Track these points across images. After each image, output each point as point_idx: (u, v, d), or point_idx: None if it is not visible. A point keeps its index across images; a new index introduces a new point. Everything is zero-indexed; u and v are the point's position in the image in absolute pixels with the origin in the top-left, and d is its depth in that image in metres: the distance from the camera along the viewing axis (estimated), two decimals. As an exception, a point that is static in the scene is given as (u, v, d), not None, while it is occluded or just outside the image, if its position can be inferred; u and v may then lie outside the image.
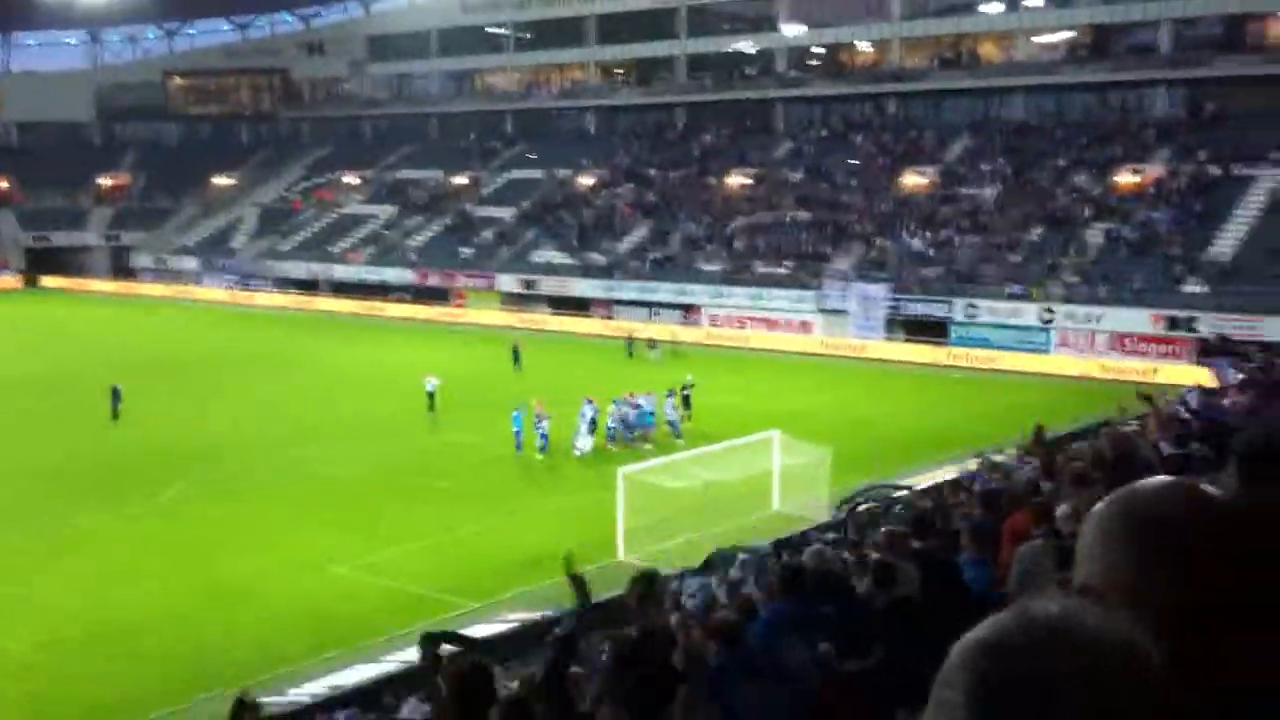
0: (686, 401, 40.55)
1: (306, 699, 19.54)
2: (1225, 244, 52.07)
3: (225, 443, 39.23)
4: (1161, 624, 1.24)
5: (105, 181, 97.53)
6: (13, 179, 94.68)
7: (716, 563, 22.07)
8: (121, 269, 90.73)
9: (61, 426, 42.36)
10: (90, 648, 23.40)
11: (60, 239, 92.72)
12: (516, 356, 51.84)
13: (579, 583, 6.71)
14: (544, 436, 36.92)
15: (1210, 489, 1.38)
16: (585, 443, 37.08)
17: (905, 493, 25.10)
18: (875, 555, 9.98)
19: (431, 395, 42.96)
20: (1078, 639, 1.15)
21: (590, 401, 37.83)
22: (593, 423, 37.32)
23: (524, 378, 48.73)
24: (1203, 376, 30.53)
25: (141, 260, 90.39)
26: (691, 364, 51.52)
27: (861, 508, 24.61)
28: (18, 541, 29.77)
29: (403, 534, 29.84)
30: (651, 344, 56.16)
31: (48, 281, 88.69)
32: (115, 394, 43.73)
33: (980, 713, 1.14)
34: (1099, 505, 1.41)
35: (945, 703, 1.17)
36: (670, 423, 38.80)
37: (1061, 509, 9.42)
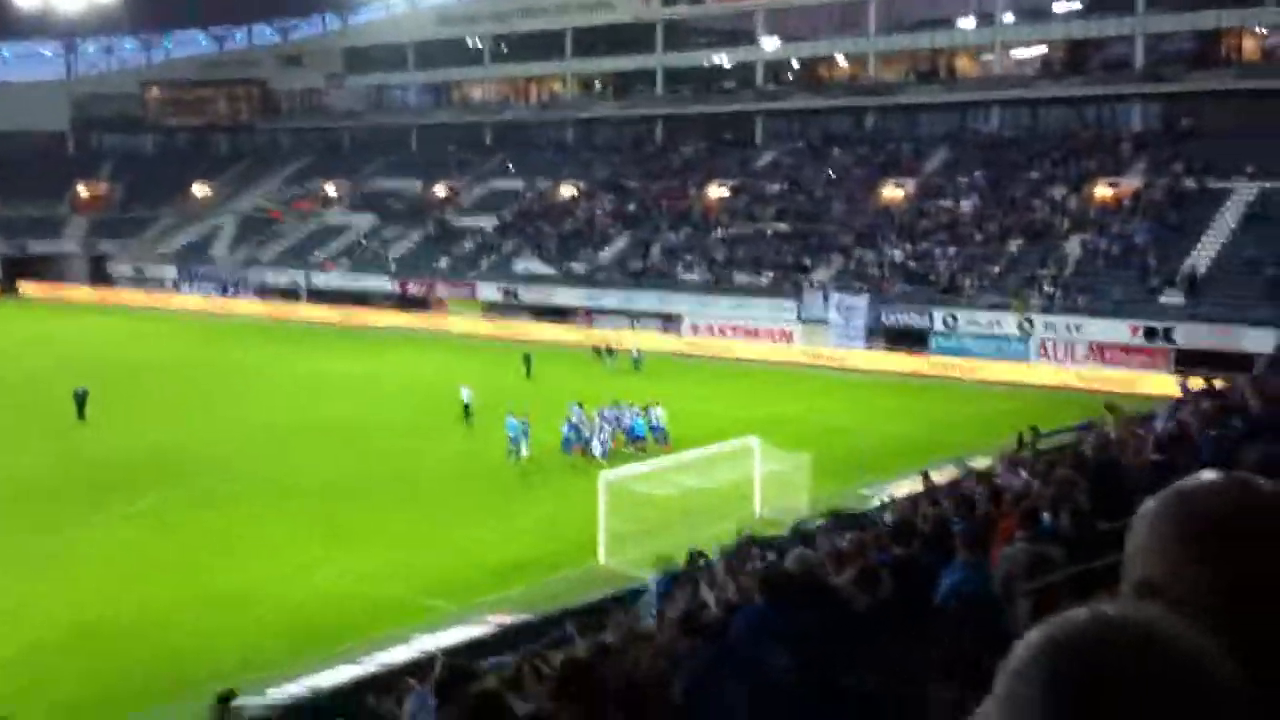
0: (656, 429, 39.81)
1: (286, 700, 19.73)
2: (1202, 256, 52.79)
3: (204, 450, 39.30)
4: (1220, 617, 1.30)
5: (83, 191, 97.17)
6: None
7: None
8: (100, 277, 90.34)
9: (35, 433, 42.34)
10: (71, 650, 23.55)
11: (38, 247, 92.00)
12: (528, 365, 52.16)
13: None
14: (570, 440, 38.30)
15: (1260, 481, 1.42)
16: (598, 448, 37.78)
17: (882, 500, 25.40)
18: (854, 560, 9.86)
19: (467, 406, 42.84)
20: (1154, 641, 1.19)
21: (612, 408, 39.24)
22: (614, 430, 38.48)
23: (535, 385, 48.81)
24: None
25: (120, 269, 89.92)
26: (669, 374, 52.13)
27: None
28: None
29: (387, 540, 30.05)
30: (609, 351, 56.60)
31: (25, 289, 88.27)
32: (79, 396, 43.99)
33: (1056, 710, 1.17)
34: (1149, 503, 1.43)
35: (1018, 697, 1.20)
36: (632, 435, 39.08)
37: (1046, 515, 9.53)
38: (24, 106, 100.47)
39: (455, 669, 6.12)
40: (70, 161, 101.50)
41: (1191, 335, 47.88)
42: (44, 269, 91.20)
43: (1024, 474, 15.27)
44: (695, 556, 23.00)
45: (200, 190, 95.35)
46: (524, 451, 37.32)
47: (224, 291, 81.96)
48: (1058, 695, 1.17)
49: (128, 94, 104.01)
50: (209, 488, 34.94)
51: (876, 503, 25.91)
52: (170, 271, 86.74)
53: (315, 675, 21.30)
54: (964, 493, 15.40)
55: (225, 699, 14.86)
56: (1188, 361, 44.90)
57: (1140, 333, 49.23)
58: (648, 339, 60.72)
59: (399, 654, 21.74)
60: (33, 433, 42.49)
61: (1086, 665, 1.18)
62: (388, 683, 17.94)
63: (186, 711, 18.98)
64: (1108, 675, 1.16)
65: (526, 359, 52.66)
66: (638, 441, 38.61)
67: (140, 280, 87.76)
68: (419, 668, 18.21)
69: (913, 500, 21.59)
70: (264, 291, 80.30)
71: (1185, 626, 1.21)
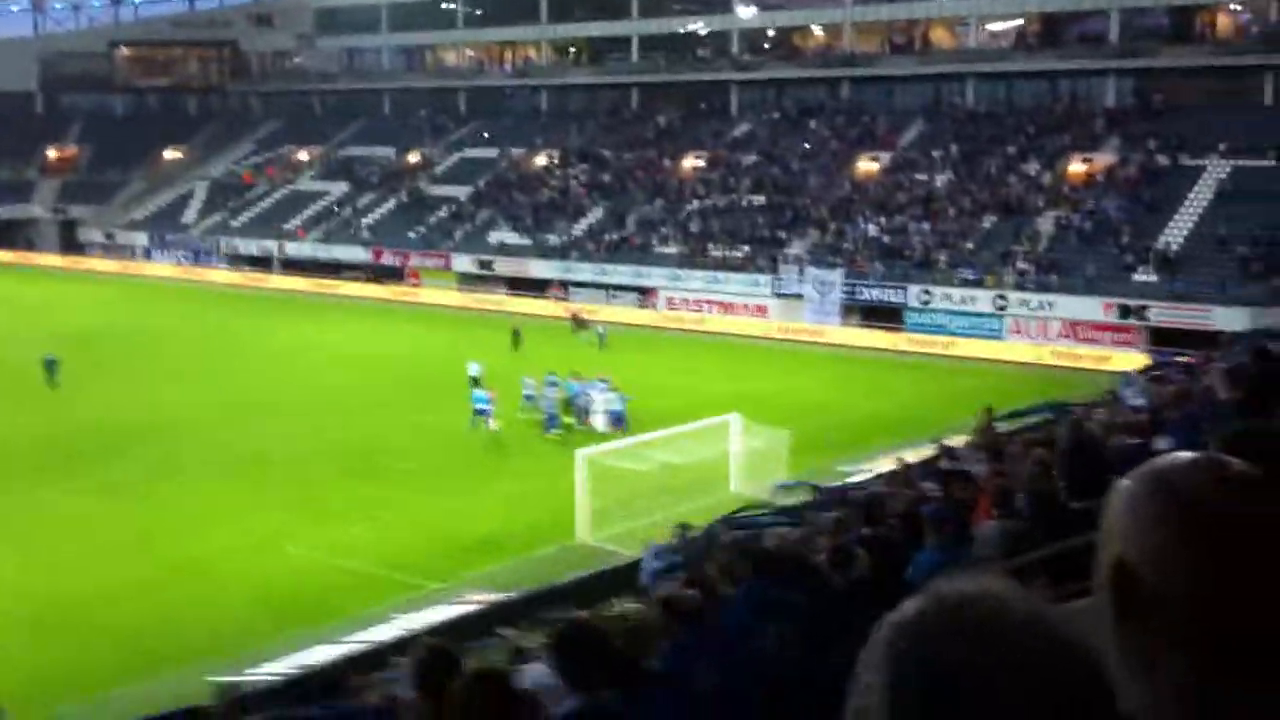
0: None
1: (268, 679, 19.47)
2: (1175, 233, 53.15)
3: (176, 420, 38.99)
4: (1195, 597, 1.29)
5: (52, 153, 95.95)
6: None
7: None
8: (70, 243, 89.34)
9: (6, 401, 41.86)
10: (41, 624, 23.32)
11: (5, 212, 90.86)
12: (516, 338, 51.78)
13: None
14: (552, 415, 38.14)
15: (1236, 461, 1.40)
16: (600, 420, 37.83)
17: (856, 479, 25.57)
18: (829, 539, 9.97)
19: (476, 379, 41.14)
20: (986, 618, 1.18)
21: (604, 381, 39.06)
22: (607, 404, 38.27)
23: (523, 359, 47.60)
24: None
25: (90, 234, 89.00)
26: (643, 348, 51.98)
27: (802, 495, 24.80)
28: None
29: (359, 514, 29.92)
30: (581, 324, 56.59)
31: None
32: (49, 364, 43.72)
33: (896, 693, 1.17)
34: (1124, 481, 1.41)
35: (867, 685, 1.20)
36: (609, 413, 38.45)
37: (1020, 495, 9.67)
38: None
39: (435, 652, 6.05)
40: (39, 122, 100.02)
41: (1164, 313, 48.28)
42: (12, 235, 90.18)
43: (984, 456, 15.31)
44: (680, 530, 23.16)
45: (170, 154, 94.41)
46: (492, 425, 37.21)
47: (195, 259, 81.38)
48: (898, 679, 1.17)
49: (96, 53, 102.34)
50: (176, 458, 34.69)
51: (852, 480, 26.19)
52: (141, 238, 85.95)
53: (296, 654, 21.14)
54: (935, 473, 15.55)
55: (233, 697, 14.50)
56: (1161, 340, 45.45)
57: (1114, 310, 49.55)
58: (623, 313, 60.75)
59: (380, 633, 21.61)
60: (5, 400, 41.99)
61: (924, 646, 1.17)
62: (370, 662, 17.83)
63: (158, 690, 18.82)
64: (945, 654, 1.16)
65: (515, 333, 52.26)
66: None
67: (111, 247, 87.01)
68: (403, 647, 18.31)
69: (885, 480, 21.84)
70: (235, 259, 79.78)
71: (1029, 599, 1.20)
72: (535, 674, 7.83)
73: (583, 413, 38.52)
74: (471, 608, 22.54)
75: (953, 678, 1.15)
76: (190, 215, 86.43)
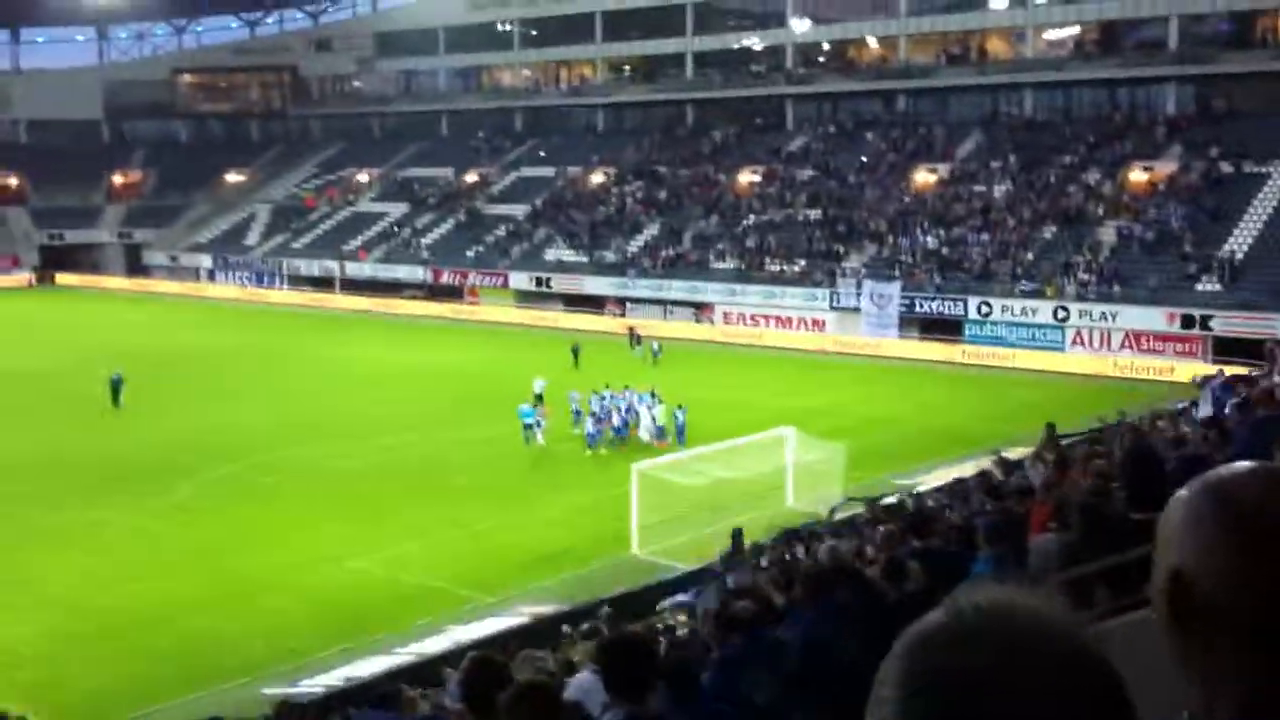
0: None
1: (321, 690, 19.71)
2: (1239, 242, 52.35)
3: (239, 439, 39.51)
4: (1252, 606, 1.27)
5: (117, 179, 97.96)
6: (24, 176, 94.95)
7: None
8: (135, 266, 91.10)
9: (69, 420, 42.76)
10: (102, 638, 23.63)
11: (73, 236, 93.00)
12: (576, 355, 52.18)
13: None
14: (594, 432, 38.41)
15: None
16: (645, 433, 38.19)
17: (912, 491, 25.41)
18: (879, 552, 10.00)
19: (539, 396, 41.53)
20: (1002, 629, 1.16)
21: (651, 395, 39.52)
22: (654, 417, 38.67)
23: (583, 374, 47.63)
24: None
25: (155, 257, 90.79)
26: (700, 364, 52.09)
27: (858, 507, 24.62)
28: (29, 533, 30.03)
29: (418, 529, 30.17)
30: (637, 339, 56.88)
31: (61, 279, 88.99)
32: (115, 383, 44.48)
33: (908, 706, 1.15)
34: (1184, 490, 1.39)
35: (881, 698, 1.18)
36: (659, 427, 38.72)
37: (1077, 505, 9.91)
38: (57, 94, 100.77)
39: (482, 665, 6.08)
40: (104, 149, 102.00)
41: (1228, 323, 47.56)
42: (80, 258, 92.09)
43: (1044, 468, 15.17)
44: (731, 551, 23.05)
45: (233, 178, 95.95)
46: (539, 440, 37.66)
47: (258, 281, 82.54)
48: (911, 689, 1.15)
49: (160, 80, 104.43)
50: (240, 476, 35.22)
51: (909, 493, 26.03)
52: (205, 260, 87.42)
53: (349, 666, 21.47)
54: (991, 486, 15.52)
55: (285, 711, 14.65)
56: (1225, 350, 44.74)
57: (1177, 320, 48.87)
58: (680, 328, 60.86)
59: (433, 645, 21.96)
60: (67, 419, 42.83)
61: (937, 655, 1.16)
62: (423, 673, 18.02)
63: (219, 701, 19.05)
64: (954, 668, 1.14)
65: (575, 350, 52.60)
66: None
67: (175, 269, 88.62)
68: (455, 659, 18.43)
69: (941, 493, 21.70)
70: (297, 280, 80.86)
71: (1051, 609, 1.19)
72: (582, 684, 7.86)
73: (628, 426, 38.68)
74: (523, 620, 22.67)
75: (965, 687, 1.13)
76: (253, 237, 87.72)
